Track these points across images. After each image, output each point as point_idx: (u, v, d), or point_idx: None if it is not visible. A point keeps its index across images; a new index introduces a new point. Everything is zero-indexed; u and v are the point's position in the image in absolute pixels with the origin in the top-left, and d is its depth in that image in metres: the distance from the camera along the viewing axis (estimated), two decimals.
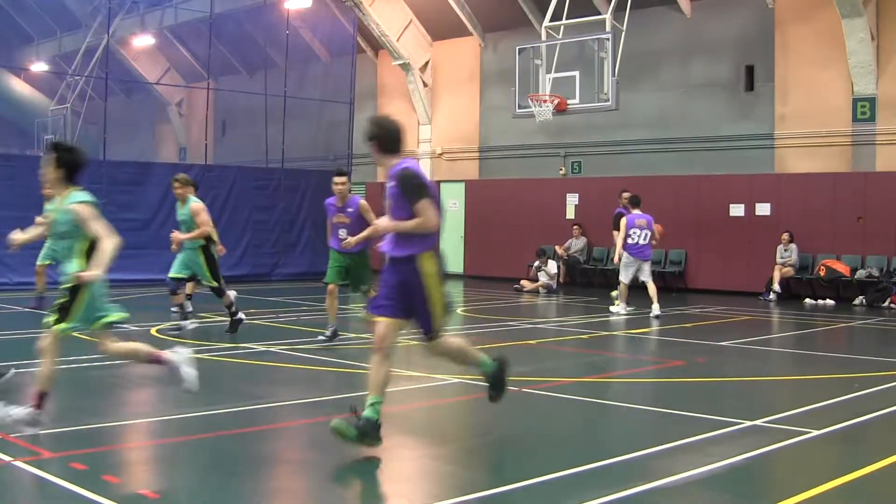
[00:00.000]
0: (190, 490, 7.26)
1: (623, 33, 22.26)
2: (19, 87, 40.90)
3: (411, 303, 8.31)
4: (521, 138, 29.58)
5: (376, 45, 33.27)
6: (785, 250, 24.24)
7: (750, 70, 25.72)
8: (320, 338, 14.69)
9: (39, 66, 40.73)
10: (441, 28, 31.50)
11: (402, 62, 31.39)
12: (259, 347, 14.25)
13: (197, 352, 13.65)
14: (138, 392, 11.58)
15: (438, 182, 31.85)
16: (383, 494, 7.42)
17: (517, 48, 22.94)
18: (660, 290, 20.70)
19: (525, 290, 25.84)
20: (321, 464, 8.10)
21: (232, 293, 16.44)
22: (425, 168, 32.29)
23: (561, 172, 29.02)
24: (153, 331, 16.16)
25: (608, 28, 21.41)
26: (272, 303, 21.87)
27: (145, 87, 39.01)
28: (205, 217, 15.75)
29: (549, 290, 25.70)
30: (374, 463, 8.21)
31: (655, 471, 7.78)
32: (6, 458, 7.89)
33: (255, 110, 30.88)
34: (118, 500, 6.71)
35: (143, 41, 37.50)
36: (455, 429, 9.85)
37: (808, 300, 23.71)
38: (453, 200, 31.74)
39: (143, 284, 25.76)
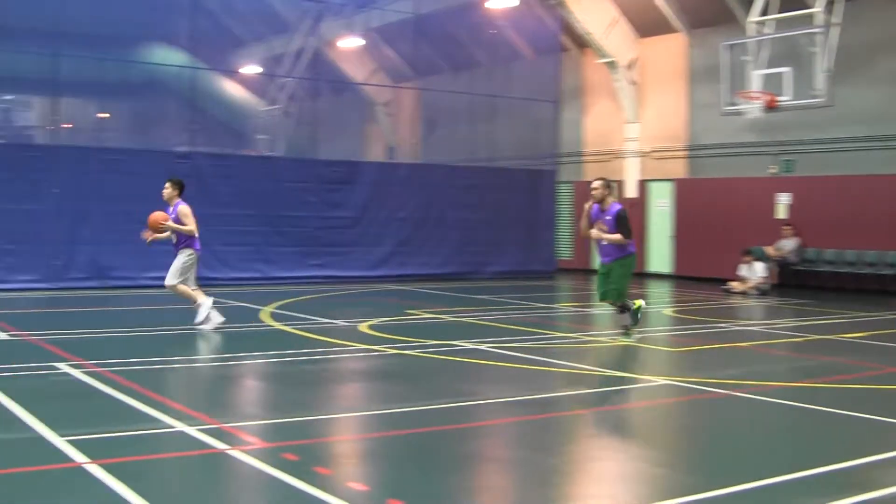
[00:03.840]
0: (398, 484, 7.34)
1: (835, 26, 21.60)
2: (233, 89, 42.01)
3: None
4: (729, 136, 29.05)
5: (581, 43, 33.14)
6: None
7: None
8: None
9: (251, 69, 41.80)
10: (647, 25, 31.19)
11: (607, 60, 31.20)
12: (468, 345, 14.34)
13: (406, 348, 13.86)
14: (349, 386, 11.79)
15: (646, 181, 31.56)
16: (592, 495, 7.37)
17: (725, 44, 22.55)
18: (877, 293, 20.00)
19: (734, 291, 25.31)
20: (528, 462, 8.10)
21: None
22: (633, 167, 32.00)
23: (771, 171, 28.38)
24: (362, 326, 16.40)
25: (819, 21, 20.86)
26: (480, 301, 21.99)
27: (353, 88, 39.64)
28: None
29: (760, 292, 25.13)
30: (582, 463, 8.19)
31: (872, 481, 7.53)
32: (222, 446, 8.15)
33: (462, 110, 31.09)
34: (328, 492, 6.86)
35: (349, 42, 38.13)
36: (665, 431, 9.71)
37: None
38: (662, 200, 31.41)
39: (348, 281, 26.27)
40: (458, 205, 29.07)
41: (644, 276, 30.94)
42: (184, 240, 16.10)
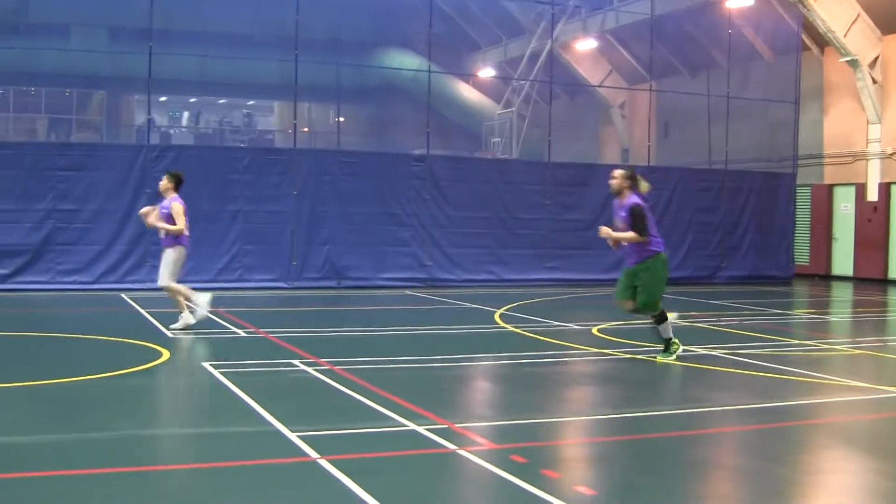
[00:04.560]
0: (625, 489, 7.35)
1: None
2: (467, 92, 42.56)
3: None
4: None
5: (822, 42, 32.24)
6: None
7: None
8: None
9: (486, 72, 42.23)
10: (891, 21, 30.11)
11: (849, 59, 30.28)
12: (701, 350, 14.16)
13: (638, 352, 13.78)
14: (580, 390, 11.82)
15: (889, 184, 30.50)
16: None
17: None
18: None
19: None
20: (760, 472, 7.95)
21: None
22: (874, 170, 30.98)
23: None
24: (594, 330, 16.37)
25: None
26: (714, 305, 21.68)
27: (588, 90, 39.61)
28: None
29: None
30: (815, 475, 8.01)
31: None
32: (451, 446, 8.29)
33: (698, 111, 30.75)
34: (555, 495, 6.91)
35: (585, 45, 38.07)
36: None
37: None
38: None
39: (581, 284, 26.25)
40: (693, 208, 28.80)
41: (886, 283, 29.92)
42: (172, 237, 15.47)
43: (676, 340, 13.43)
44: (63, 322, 15.27)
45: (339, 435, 8.69)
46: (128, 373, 11.63)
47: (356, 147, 31.98)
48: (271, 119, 55.55)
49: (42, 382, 10.97)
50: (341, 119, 39.04)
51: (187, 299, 15.66)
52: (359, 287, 24.19)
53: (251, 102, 54.54)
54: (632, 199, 13.17)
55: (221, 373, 11.50)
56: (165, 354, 12.91)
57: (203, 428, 9.10)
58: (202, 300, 15.67)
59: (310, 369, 11.97)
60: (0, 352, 13.74)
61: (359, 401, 10.08)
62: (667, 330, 13.43)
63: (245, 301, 20.94)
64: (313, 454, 7.87)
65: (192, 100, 52.66)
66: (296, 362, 12.49)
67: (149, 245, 22.79)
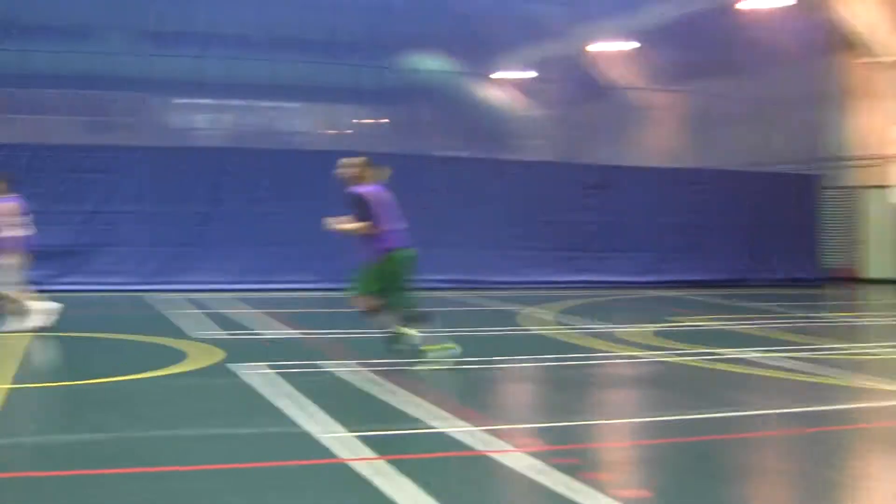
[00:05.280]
0: (674, 492, 7.18)
1: None
2: (494, 94, 42.46)
3: None
4: None
5: (847, 44, 31.92)
6: None
7: None
8: None
9: (514, 74, 42.15)
10: None
11: (874, 60, 30.02)
12: (732, 353, 13.96)
13: (669, 354, 13.64)
14: (613, 392, 11.71)
15: None
16: None
17: None
18: None
19: None
20: (802, 475, 7.82)
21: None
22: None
23: None
24: (630, 331, 16.23)
25: None
26: (744, 308, 21.53)
27: (617, 92, 39.33)
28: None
29: None
30: (862, 479, 7.84)
31: None
32: (483, 448, 8.16)
33: (726, 113, 30.59)
34: (602, 499, 6.70)
35: (614, 46, 37.86)
36: None
37: None
38: None
39: (610, 286, 26.17)
40: (721, 211, 28.68)
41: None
42: (7, 241, 14.67)
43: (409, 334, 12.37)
44: (96, 323, 15.28)
45: (369, 437, 8.51)
46: (153, 376, 11.54)
47: (382, 149, 31.93)
48: (294, 122, 55.63)
49: (79, 383, 10.96)
50: (377, 121, 38.96)
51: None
52: None
53: (275, 104, 54.61)
54: (357, 188, 12.43)
55: (249, 374, 11.39)
56: (192, 355, 12.83)
57: (232, 429, 8.96)
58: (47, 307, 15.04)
59: (341, 370, 11.85)
60: (45, 353, 13.86)
61: (389, 403, 9.94)
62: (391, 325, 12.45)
63: (274, 302, 20.88)
64: (344, 455, 7.72)
65: (212, 102, 52.65)
66: (326, 363, 12.38)
67: (177, 247, 22.84)
